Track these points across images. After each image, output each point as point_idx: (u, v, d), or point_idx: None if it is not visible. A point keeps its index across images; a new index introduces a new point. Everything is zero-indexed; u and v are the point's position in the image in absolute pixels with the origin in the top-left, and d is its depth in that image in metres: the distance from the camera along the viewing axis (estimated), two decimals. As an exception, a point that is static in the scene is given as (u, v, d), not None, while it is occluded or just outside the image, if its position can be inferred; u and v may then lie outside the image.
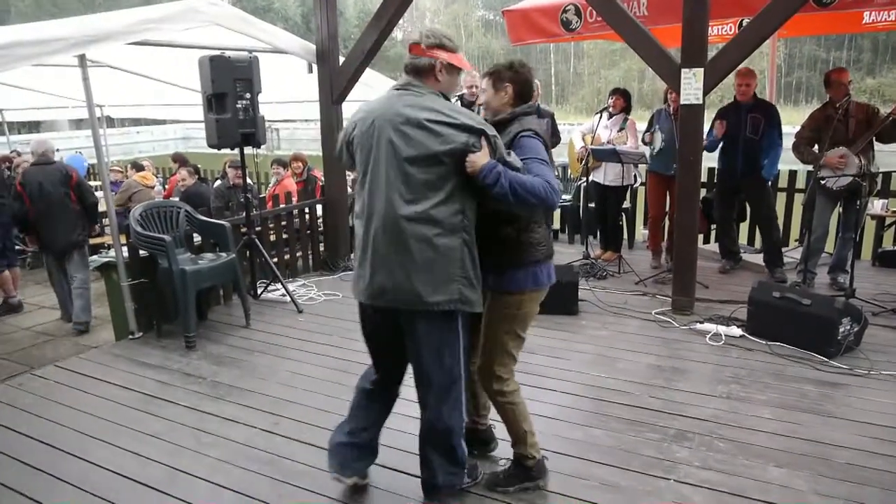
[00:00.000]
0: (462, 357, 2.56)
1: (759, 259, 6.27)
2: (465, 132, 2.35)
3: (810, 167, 5.49)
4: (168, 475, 3.07)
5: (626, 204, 7.02)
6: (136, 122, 31.82)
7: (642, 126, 6.43)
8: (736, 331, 4.63)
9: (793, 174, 6.78)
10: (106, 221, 7.85)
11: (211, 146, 5.16)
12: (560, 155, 6.67)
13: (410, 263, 2.39)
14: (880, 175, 5.73)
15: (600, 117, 6.28)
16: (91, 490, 2.97)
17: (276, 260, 6.05)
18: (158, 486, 2.98)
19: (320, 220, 6.82)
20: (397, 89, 2.50)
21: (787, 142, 5.63)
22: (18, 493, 2.96)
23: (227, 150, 5.39)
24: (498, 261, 2.63)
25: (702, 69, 4.69)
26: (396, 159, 2.38)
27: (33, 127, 24.82)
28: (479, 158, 2.34)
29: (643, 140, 6.24)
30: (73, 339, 5.11)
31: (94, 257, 5.21)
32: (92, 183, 8.47)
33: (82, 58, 4.47)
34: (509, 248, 2.64)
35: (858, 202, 5.22)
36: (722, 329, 4.65)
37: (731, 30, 7.12)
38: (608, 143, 6.21)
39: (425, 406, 2.62)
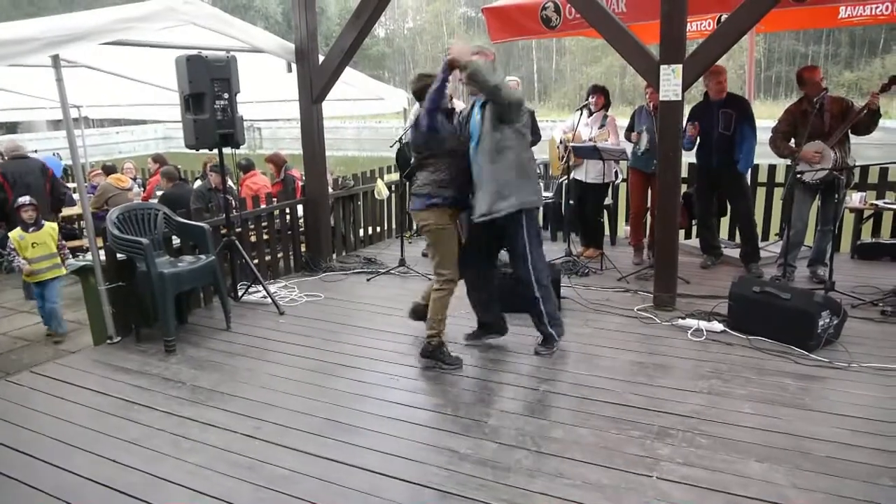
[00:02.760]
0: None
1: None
2: None
3: (789, 161, 5.54)
4: (147, 482, 3.03)
5: (609, 200, 7.04)
6: (117, 122, 31.49)
7: (623, 122, 6.44)
8: (717, 326, 4.65)
9: (772, 169, 6.83)
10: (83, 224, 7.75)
11: (189, 147, 5.12)
12: (542, 152, 6.67)
13: None
14: (857, 168, 5.78)
15: (580, 114, 6.29)
16: (68, 499, 2.92)
17: (256, 261, 6.00)
18: (137, 493, 2.94)
19: (301, 221, 6.77)
20: None
21: (763, 135, 5.67)
22: (-7, 503, 2.91)
23: (206, 151, 5.34)
24: None
25: (680, 66, 4.70)
26: None
27: (10, 128, 24.53)
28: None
29: (628, 138, 6.25)
30: (51, 344, 5.03)
31: (71, 260, 5.13)
32: (69, 185, 8.36)
33: (55, 58, 4.39)
34: None
35: (836, 195, 5.27)
36: (703, 324, 4.68)
37: (709, 25, 7.15)
38: (589, 140, 6.22)
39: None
